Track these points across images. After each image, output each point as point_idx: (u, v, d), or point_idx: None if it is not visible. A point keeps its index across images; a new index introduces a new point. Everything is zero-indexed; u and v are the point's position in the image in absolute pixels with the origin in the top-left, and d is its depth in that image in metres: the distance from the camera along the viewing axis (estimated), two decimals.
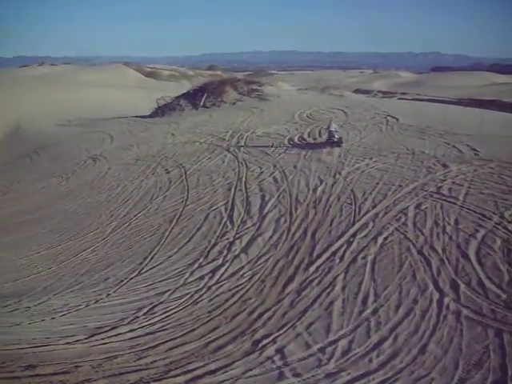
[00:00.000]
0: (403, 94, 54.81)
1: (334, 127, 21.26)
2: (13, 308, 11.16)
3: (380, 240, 11.49)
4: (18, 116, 44.77)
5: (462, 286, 9.31)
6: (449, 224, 11.85)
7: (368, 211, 13.10)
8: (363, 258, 10.85)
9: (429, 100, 43.41)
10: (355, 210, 13.28)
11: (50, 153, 30.86)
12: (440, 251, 10.68)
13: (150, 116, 37.24)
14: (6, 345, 8.08)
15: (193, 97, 37.10)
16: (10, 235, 18.16)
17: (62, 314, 10.37)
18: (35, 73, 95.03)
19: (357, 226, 12.39)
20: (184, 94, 38.85)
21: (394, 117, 24.47)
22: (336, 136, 20.51)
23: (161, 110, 37.64)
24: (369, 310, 8.89)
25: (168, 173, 20.04)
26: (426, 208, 12.84)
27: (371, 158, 17.47)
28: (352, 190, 14.69)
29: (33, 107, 47.92)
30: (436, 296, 9.12)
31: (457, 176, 15.00)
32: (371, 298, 9.29)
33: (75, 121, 41.63)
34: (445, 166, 16.10)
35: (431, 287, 9.40)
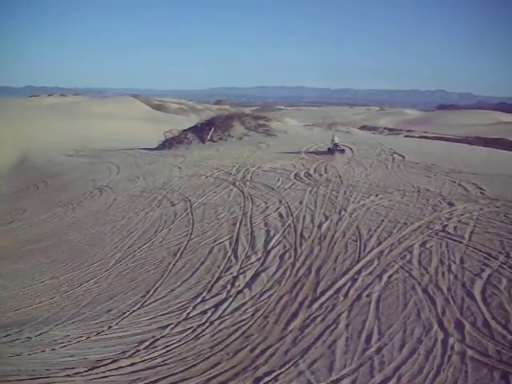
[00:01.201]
0: (409, 131, 55.12)
1: (337, 140, 27.36)
2: (14, 338, 11.09)
3: (385, 278, 11.41)
4: (25, 145, 45.20)
5: (468, 326, 9.19)
6: (454, 263, 11.78)
7: (373, 248, 13.04)
8: (367, 295, 10.76)
9: (435, 138, 43.68)
10: (360, 247, 13.22)
11: (57, 183, 31.04)
12: (445, 290, 10.59)
13: (157, 148, 37.54)
14: (6, 376, 8.02)
15: (200, 130, 37.47)
16: (13, 264, 18.12)
17: (63, 345, 10.28)
18: (44, 103, 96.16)
19: (362, 263, 12.32)
20: (191, 128, 39.27)
21: (399, 154, 24.60)
22: (340, 146, 26.78)
23: (168, 143, 38.00)
24: (372, 349, 8.77)
25: (173, 205, 20.06)
26: (432, 246, 12.77)
27: (377, 195, 17.48)
28: (357, 227, 14.66)
29: (41, 137, 48.39)
30: (441, 336, 9.00)
31: (462, 214, 14.98)
32: (375, 336, 9.17)
33: (82, 151, 42.01)
34: (450, 204, 16.09)
35: (436, 327, 9.29)
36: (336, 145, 26.98)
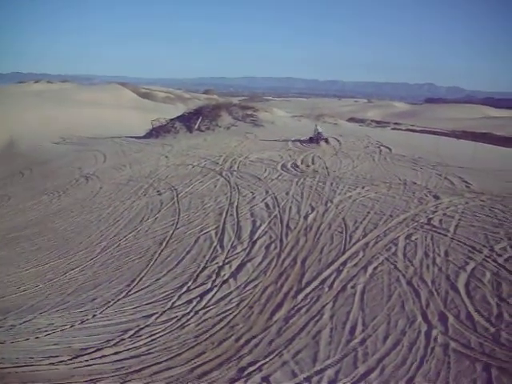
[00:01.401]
0: (397, 124, 55.18)
1: (320, 129, 28.34)
2: None
3: (370, 270, 11.46)
4: (11, 132, 44.80)
5: (451, 319, 9.26)
6: (439, 256, 11.85)
7: (358, 240, 13.09)
8: (352, 287, 10.81)
9: (422, 131, 43.83)
10: (346, 239, 13.26)
11: (43, 170, 30.83)
12: (429, 283, 10.65)
13: (145, 137, 37.36)
14: None
15: (188, 120, 37.33)
16: None
17: (47, 333, 10.25)
18: (31, 89, 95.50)
19: (347, 254, 12.36)
20: (179, 117, 39.10)
21: (387, 147, 24.70)
22: (324, 135, 27.67)
23: (155, 132, 37.83)
24: (356, 340, 8.81)
25: (160, 195, 20.01)
26: (417, 239, 12.84)
27: (363, 187, 17.54)
28: (343, 219, 14.70)
29: (27, 124, 47.94)
30: (424, 328, 9.06)
31: (448, 208, 15.06)
32: (359, 327, 9.22)
33: (69, 139, 41.75)
34: (436, 197, 16.18)
35: (420, 319, 9.35)
36: (319, 133, 27.79)
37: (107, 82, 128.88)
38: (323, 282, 11.22)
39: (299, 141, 27.90)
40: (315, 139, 27.58)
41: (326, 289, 10.88)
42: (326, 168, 20.77)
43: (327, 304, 10.23)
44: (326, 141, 27.18)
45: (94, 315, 11.22)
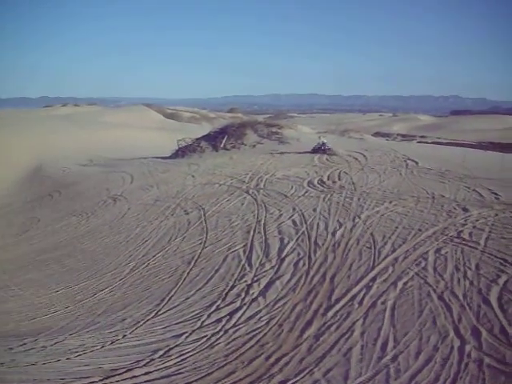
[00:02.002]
0: (423, 137, 54.95)
1: (324, 140, 30.07)
2: (29, 347, 11.13)
3: (400, 285, 11.34)
4: (40, 155, 45.50)
5: (484, 334, 9.10)
6: (470, 269, 11.68)
7: (387, 255, 12.97)
8: (383, 303, 10.70)
9: (448, 143, 43.54)
10: (374, 254, 13.15)
11: (71, 192, 31.20)
12: (461, 297, 10.50)
13: (171, 157, 37.62)
14: None
15: (213, 139, 37.52)
16: (28, 273, 18.23)
17: (78, 354, 10.30)
18: (58, 113, 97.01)
19: (376, 270, 12.26)
20: (204, 136, 39.34)
21: (413, 160, 24.51)
22: (328, 146, 29.40)
23: (181, 152, 38.06)
24: (388, 357, 8.70)
25: (187, 214, 20.09)
26: (447, 253, 12.68)
27: (391, 202, 17.41)
28: (371, 234, 14.60)
29: (55, 147, 48.74)
30: (457, 343, 8.91)
31: (477, 220, 14.87)
32: (390, 344, 9.10)
33: (96, 161, 42.24)
34: (465, 210, 15.99)
35: (452, 334, 9.20)
36: (324, 144, 29.83)
37: (133, 104, 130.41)
38: (353, 298, 11.13)
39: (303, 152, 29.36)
40: (317, 149, 29.72)
41: (356, 305, 10.78)
42: (353, 183, 20.67)
43: (357, 320, 10.13)
44: (331, 151, 28.94)
45: (124, 335, 11.26)
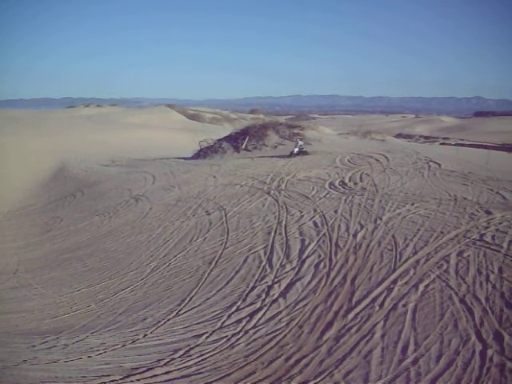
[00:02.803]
0: (445, 138, 54.63)
1: (301, 143, 31.61)
2: (51, 345, 11.23)
3: (421, 287, 11.26)
4: (63, 156, 45.87)
5: (507, 338, 9.00)
6: (492, 272, 11.58)
7: (409, 258, 12.89)
8: (404, 305, 10.64)
9: (471, 145, 43.16)
10: (396, 257, 13.08)
11: (94, 192, 31.43)
12: (483, 300, 10.41)
13: (192, 158, 37.76)
14: (43, 382, 8.12)
15: (235, 140, 37.57)
16: (51, 272, 18.42)
17: (99, 352, 10.37)
18: (81, 113, 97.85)
19: (397, 272, 12.19)
20: (226, 137, 39.41)
21: (436, 162, 24.33)
22: (304, 148, 31.05)
23: (203, 152, 38.18)
24: (409, 360, 8.65)
25: (208, 214, 20.15)
26: (469, 256, 12.57)
27: (413, 204, 17.30)
28: (393, 236, 14.52)
29: (78, 147, 49.10)
30: (479, 347, 8.83)
31: (501, 223, 14.72)
32: (411, 347, 9.05)
33: (118, 161, 42.51)
34: (488, 212, 15.83)
35: (474, 338, 9.12)
36: (301, 146, 31.33)
37: (155, 105, 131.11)
38: (374, 300, 11.08)
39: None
40: (297, 153, 30.71)
41: (377, 307, 10.74)
42: (375, 185, 20.58)
43: (378, 323, 10.09)
44: (305, 153, 30.69)
45: (145, 335, 11.32)
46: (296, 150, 30.50)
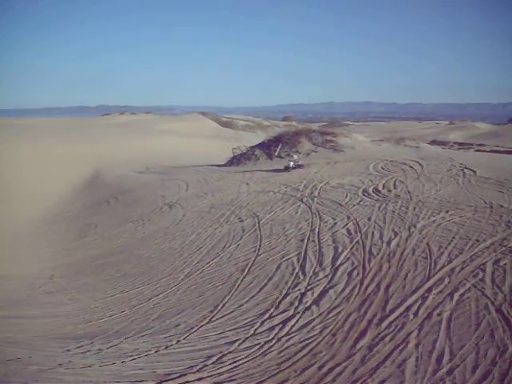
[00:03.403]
0: (480, 145, 53.87)
1: (296, 157, 31.69)
2: (86, 349, 11.34)
3: (456, 296, 11.12)
4: (98, 163, 46.43)
5: None
6: None
7: (444, 266, 12.75)
8: (438, 314, 10.52)
9: (507, 152, 42.42)
10: (430, 265, 12.94)
11: (128, 199, 31.75)
12: None
13: (226, 165, 37.93)
14: None
15: (268, 147, 37.65)
16: (85, 278, 18.63)
17: (133, 358, 10.44)
18: (116, 121, 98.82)
19: (432, 281, 12.06)
20: (259, 144, 39.52)
21: (471, 169, 24.02)
22: (300, 162, 30.78)
23: (236, 159, 38.33)
24: (444, 370, 8.54)
25: (241, 221, 20.20)
26: (505, 264, 12.38)
27: (447, 211, 17.10)
28: (427, 244, 14.37)
29: (112, 154, 49.64)
30: None
31: None
32: (446, 357, 8.93)
33: (152, 168, 42.86)
34: None
35: (511, 348, 8.98)
36: (296, 160, 31.10)
37: (187, 112, 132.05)
38: (408, 309, 10.98)
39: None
40: (293, 167, 30.25)
41: (411, 316, 10.63)
42: (409, 192, 20.40)
43: (412, 332, 9.99)
44: (300, 167, 30.25)
45: (178, 341, 11.37)
46: (292, 164, 30.34)
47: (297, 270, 14.30)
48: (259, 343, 10.54)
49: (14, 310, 15.83)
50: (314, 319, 11.30)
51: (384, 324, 10.51)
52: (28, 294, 17.65)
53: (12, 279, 19.55)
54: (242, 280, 14.59)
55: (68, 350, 11.25)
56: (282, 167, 30.59)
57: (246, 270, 15.21)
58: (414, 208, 17.98)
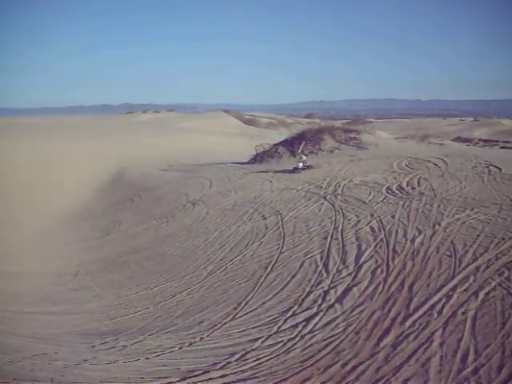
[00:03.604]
0: (506, 142, 53.35)
1: (305, 158, 30.56)
2: (110, 346, 11.45)
3: (481, 295, 11.02)
4: (122, 161, 46.74)
5: None
6: None
7: (469, 264, 12.63)
8: (463, 313, 10.43)
9: None
10: (455, 263, 12.83)
11: (152, 196, 31.93)
12: None
13: (249, 163, 37.91)
14: (102, 382, 8.26)
15: (291, 144, 37.54)
16: (109, 275, 18.80)
17: (157, 354, 10.51)
18: (139, 119, 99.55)
19: (456, 279, 11.96)
20: (282, 142, 39.44)
21: (496, 166, 23.73)
22: (308, 163, 29.93)
23: (259, 157, 38.28)
24: (469, 369, 8.46)
25: (265, 219, 20.21)
26: None
27: (472, 209, 16.93)
28: (452, 242, 14.25)
29: (136, 152, 49.92)
30: None
31: None
32: (471, 356, 8.85)
33: (175, 166, 43.01)
34: None
35: None
36: (305, 161, 30.08)
37: (210, 110, 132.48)
38: (432, 307, 10.91)
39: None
40: (302, 168, 29.29)
41: (436, 315, 10.56)
42: (433, 190, 20.23)
43: (437, 330, 9.92)
44: (309, 167, 29.40)
45: (202, 338, 11.43)
46: (300, 165, 29.55)
47: (320, 268, 14.28)
48: (282, 341, 10.55)
49: (40, 307, 16.03)
50: (337, 317, 11.28)
51: (408, 322, 10.45)
52: (54, 291, 17.86)
53: (38, 276, 19.79)
54: (265, 277, 14.61)
55: (93, 346, 11.38)
56: (291, 168, 30.04)
57: (269, 268, 15.22)
58: (439, 206, 17.84)
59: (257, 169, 33.27)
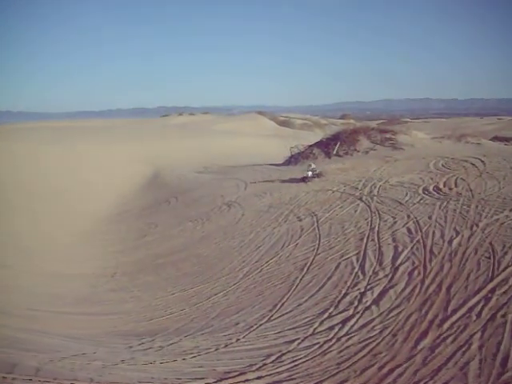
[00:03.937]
0: None
1: (313, 166, 28.99)
2: (147, 346, 11.57)
3: None
4: (157, 163, 47.15)
5: None
6: None
7: (508, 266, 12.41)
8: (502, 316, 10.25)
9: None
10: (494, 265, 12.63)
11: (187, 198, 32.14)
12: None
13: (284, 164, 37.96)
14: (140, 382, 8.36)
15: (325, 145, 37.46)
16: (146, 276, 18.97)
17: (193, 355, 10.58)
18: (175, 122, 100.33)
19: (495, 281, 11.77)
20: (317, 143, 39.38)
21: None
22: (317, 171, 28.47)
23: (294, 158, 38.32)
24: (509, 374, 8.30)
25: (300, 221, 20.18)
26: None
27: (511, 210, 16.66)
28: (490, 243, 14.03)
29: (172, 154, 50.32)
30: None
31: None
32: (511, 360, 8.72)
33: (211, 168, 43.27)
34: None
35: None
36: (314, 170, 28.50)
37: (245, 112, 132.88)
38: (470, 310, 10.76)
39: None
40: (311, 176, 28.06)
41: (474, 317, 10.41)
42: (471, 190, 19.95)
43: (475, 333, 9.77)
44: (319, 176, 28.01)
45: (238, 339, 11.46)
46: (310, 173, 28.41)
47: (356, 270, 14.21)
48: (318, 343, 10.53)
49: (79, 307, 16.25)
50: (373, 319, 11.22)
51: (446, 325, 10.33)
52: (91, 292, 18.09)
53: (76, 277, 20.05)
54: (300, 279, 14.59)
55: (130, 347, 11.50)
56: (299, 177, 28.94)
57: (305, 269, 15.20)
58: (477, 206, 17.59)
59: (299, 168, 33.22)
